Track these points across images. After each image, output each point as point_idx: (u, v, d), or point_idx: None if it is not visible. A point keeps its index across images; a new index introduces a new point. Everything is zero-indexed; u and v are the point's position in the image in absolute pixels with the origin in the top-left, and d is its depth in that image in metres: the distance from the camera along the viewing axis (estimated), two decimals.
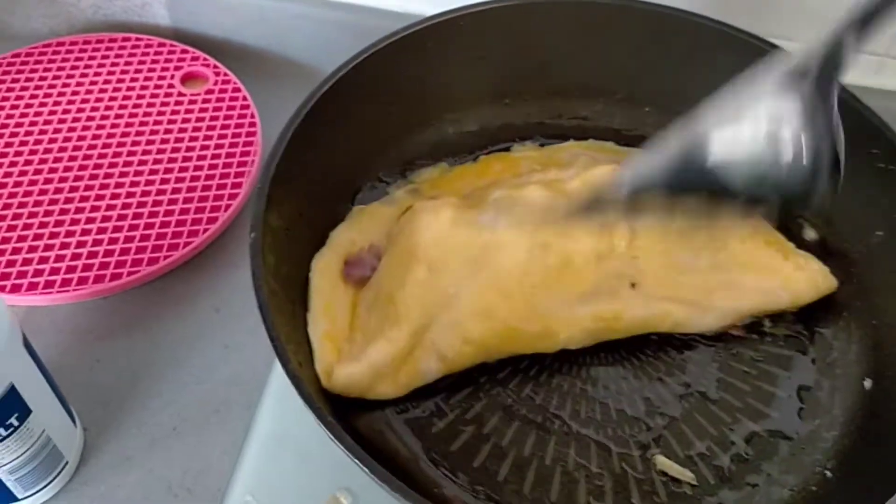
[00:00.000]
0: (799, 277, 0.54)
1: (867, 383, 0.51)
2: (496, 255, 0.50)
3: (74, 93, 0.70)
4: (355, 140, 0.57)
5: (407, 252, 0.51)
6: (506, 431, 0.50)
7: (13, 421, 0.44)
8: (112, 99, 0.70)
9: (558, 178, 0.55)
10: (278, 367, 0.55)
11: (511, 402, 0.51)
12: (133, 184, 0.64)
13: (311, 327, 0.51)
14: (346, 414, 0.49)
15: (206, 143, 0.67)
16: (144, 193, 0.63)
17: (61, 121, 0.68)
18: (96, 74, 0.72)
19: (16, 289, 0.57)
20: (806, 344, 0.54)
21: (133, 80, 0.71)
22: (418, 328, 0.49)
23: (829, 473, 0.48)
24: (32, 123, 0.68)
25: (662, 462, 0.49)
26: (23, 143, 0.67)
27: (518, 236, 0.51)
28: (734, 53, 0.57)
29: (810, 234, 0.58)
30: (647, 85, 0.62)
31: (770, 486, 0.48)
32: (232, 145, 0.67)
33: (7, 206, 0.62)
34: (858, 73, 0.67)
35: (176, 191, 0.64)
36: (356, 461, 0.39)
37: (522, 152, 0.62)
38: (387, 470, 0.39)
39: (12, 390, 0.43)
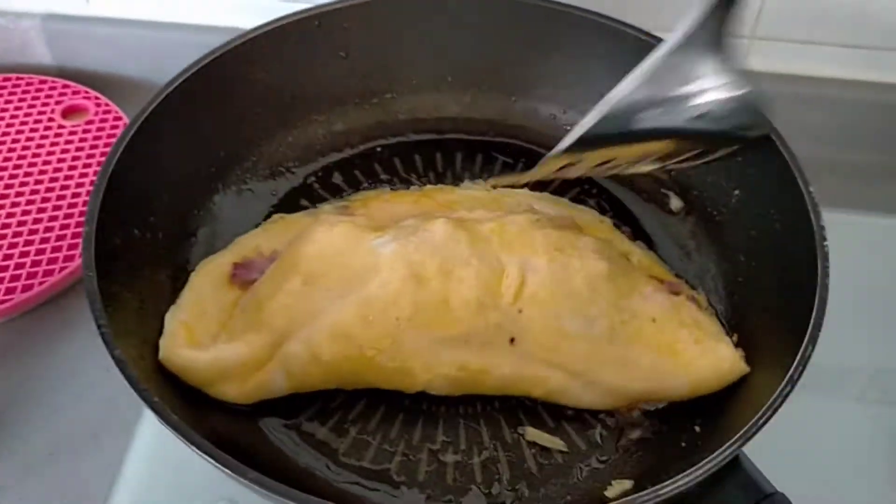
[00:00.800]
0: (701, 364, 0.48)
1: (734, 338, 0.51)
2: (370, 280, 0.47)
3: None
4: (212, 142, 0.57)
5: (290, 261, 0.50)
6: (371, 417, 0.49)
7: None
8: None
9: (476, 219, 0.52)
10: None
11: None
12: (9, 214, 0.63)
13: (169, 315, 0.49)
14: (213, 423, 0.48)
15: (86, 170, 0.67)
16: (20, 223, 0.63)
17: None
18: None
19: None
20: None
21: (13, 116, 0.71)
22: (278, 339, 0.48)
23: (697, 429, 0.48)
24: None
25: (532, 433, 0.48)
26: None
27: (397, 264, 0.47)
28: (583, 34, 0.59)
29: (676, 202, 0.58)
30: (509, 74, 0.63)
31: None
32: None
33: None
34: None
35: (53, 219, 0.63)
36: (209, 457, 0.38)
37: (470, 190, 0.59)
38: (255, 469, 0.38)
39: None
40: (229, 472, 0.38)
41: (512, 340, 0.48)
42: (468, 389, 0.49)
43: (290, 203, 0.59)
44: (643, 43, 0.57)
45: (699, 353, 0.48)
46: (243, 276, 0.52)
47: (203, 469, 0.50)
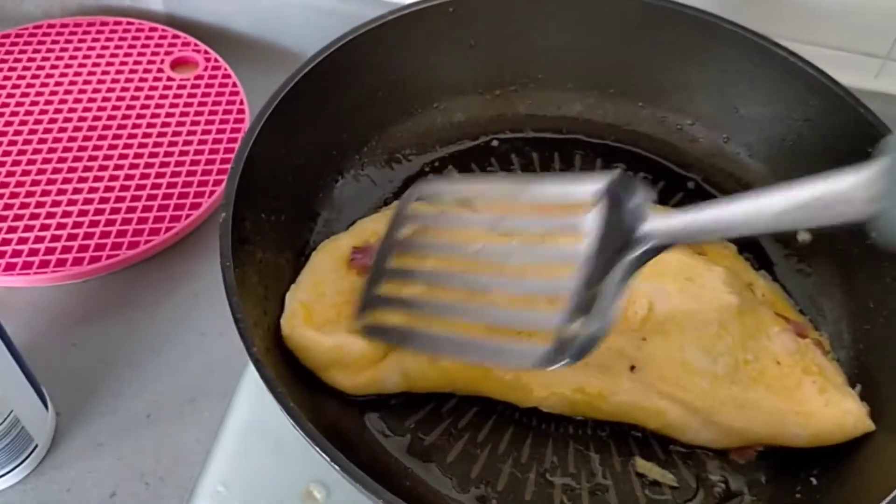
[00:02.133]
0: (825, 415, 0.46)
1: (857, 389, 0.50)
2: None
3: (63, 75, 0.70)
4: (336, 127, 0.56)
5: None
6: (482, 427, 0.49)
7: None
8: (100, 82, 0.69)
9: None
10: None
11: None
12: (117, 167, 0.63)
13: (289, 294, 0.50)
14: (320, 407, 0.48)
15: (194, 128, 0.66)
16: (128, 177, 0.62)
17: (48, 102, 0.67)
18: (86, 57, 0.71)
19: None
20: None
21: (123, 63, 0.70)
22: None
23: (814, 481, 0.47)
24: (19, 104, 0.67)
25: (642, 464, 0.48)
26: (8, 124, 0.66)
27: None
28: (727, 48, 0.57)
29: (804, 234, 0.56)
30: (639, 79, 0.61)
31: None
32: (220, 131, 0.66)
33: None
34: (857, 75, 0.66)
35: (160, 175, 0.63)
36: (318, 450, 0.37)
37: None
38: (354, 462, 0.38)
39: None
40: (336, 467, 0.38)
41: (632, 368, 0.47)
42: (582, 412, 0.49)
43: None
44: (790, 64, 0.55)
45: (823, 404, 0.46)
46: (361, 260, 0.52)
47: (300, 446, 0.51)
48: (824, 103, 0.54)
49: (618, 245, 0.41)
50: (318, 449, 0.37)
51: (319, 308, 0.50)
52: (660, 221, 0.41)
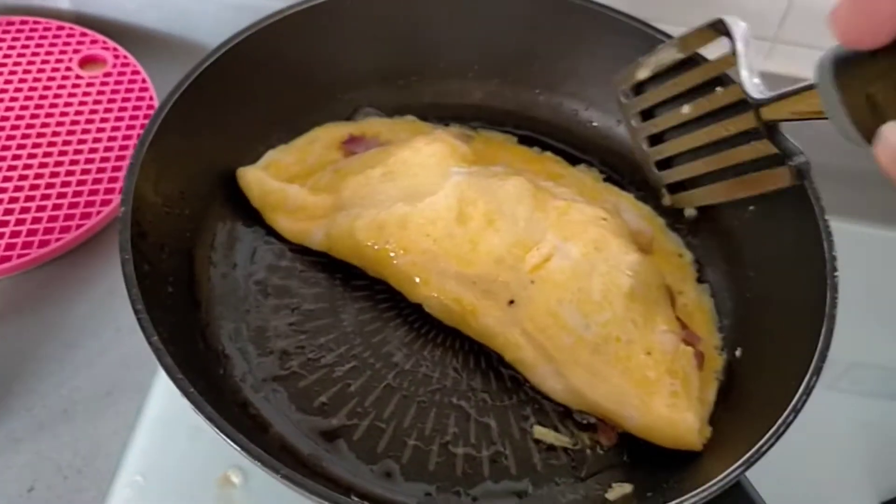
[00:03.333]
0: (662, 414, 0.48)
1: (738, 352, 0.53)
2: (426, 195, 0.52)
3: None
4: (240, 119, 0.57)
5: (386, 154, 0.56)
6: (387, 404, 0.51)
7: None
8: (7, 82, 0.69)
9: (554, 194, 0.55)
10: None
11: (393, 377, 0.52)
12: (26, 167, 0.63)
13: (273, 150, 0.59)
14: (227, 393, 0.50)
15: (103, 125, 0.67)
16: (38, 176, 0.63)
17: None
18: None
19: None
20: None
21: (30, 63, 0.70)
22: (338, 205, 0.55)
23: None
24: None
25: (540, 431, 0.50)
26: None
27: (452, 193, 0.52)
28: (615, 35, 0.59)
29: (690, 210, 0.59)
30: (536, 67, 0.63)
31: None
32: (129, 128, 0.66)
33: None
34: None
35: (70, 173, 0.63)
36: (218, 431, 0.39)
37: (584, 174, 0.63)
38: (260, 444, 0.39)
39: None
40: (237, 448, 0.39)
41: (511, 302, 0.51)
42: (455, 323, 0.53)
43: None
44: None
45: (667, 405, 0.48)
46: (352, 147, 0.60)
47: (214, 435, 0.53)
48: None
49: None
50: (217, 430, 0.39)
51: (293, 168, 0.59)
52: None
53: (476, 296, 0.51)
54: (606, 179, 0.62)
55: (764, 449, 0.41)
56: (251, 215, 0.57)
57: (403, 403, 0.50)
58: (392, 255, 0.52)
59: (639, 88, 0.57)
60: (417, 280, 0.52)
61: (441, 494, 0.47)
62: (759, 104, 0.49)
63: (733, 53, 0.50)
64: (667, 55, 0.54)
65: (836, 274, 0.47)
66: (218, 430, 0.39)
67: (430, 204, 0.52)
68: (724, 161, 0.53)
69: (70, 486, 0.52)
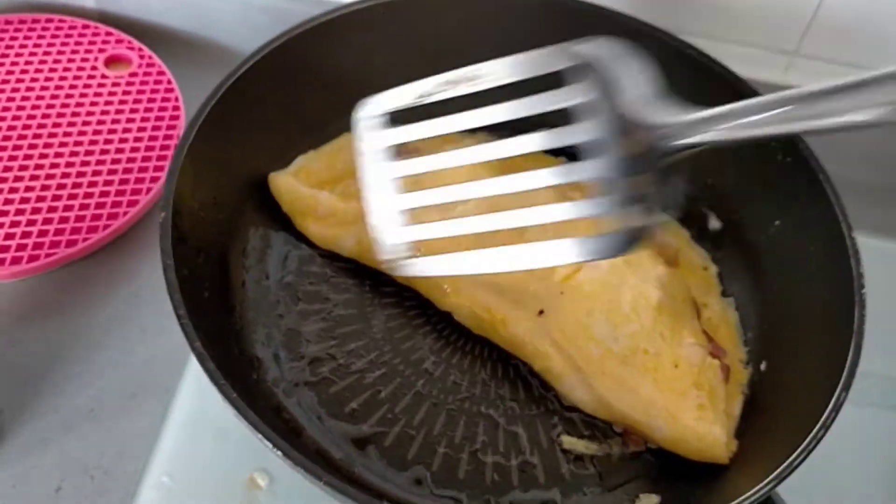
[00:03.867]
0: (690, 426, 0.49)
1: (763, 365, 0.54)
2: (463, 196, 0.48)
3: None
4: (273, 125, 0.57)
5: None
6: (417, 411, 0.51)
7: None
8: (34, 80, 0.69)
9: None
10: None
11: (423, 385, 0.52)
12: (53, 165, 0.63)
13: (302, 156, 0.59)
14: (261, 399, 0.50)
15: (129, 125, 0.67)
16: (64, 175, 0.63)
17: None
18: (17, 55, 0.70)
19: None
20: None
21: (56, 61, 0.70)
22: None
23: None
24: None
25: (568, 441, 0.51)
26: None
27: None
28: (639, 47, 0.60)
29: (714, 223, 0.60)
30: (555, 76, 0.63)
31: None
32: (155, 129, 0.67)
33: None
34: (767, 71, 0.69)
35: (96, 173, 0.63)
36: (261, 436, 0.39)
37: None
38: (296, 448, 0.40)
39: None
40: (278, 453, 0.40)
41: (541, 312, 0.52)
42: (484, 331, 0.53)
43: None
44: (699, 63, 0.59)
45: (694, 417, 0.49)
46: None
47: (243, 436, 0.53)
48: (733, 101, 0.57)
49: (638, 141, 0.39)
50: (260, 436, 0.39)
51: (322, 174, 0.59)
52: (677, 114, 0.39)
53: (506, 305, 0.52)
54: None
55: (795, 464, 0.42)
56: (282, 221, 0.58)
57: (433, 411, 0.51)
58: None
59: None
60: (447, 288, 0.53)
61: (471, 502, 0.48)
62: None
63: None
64: None
65: (863, 291, 0.48)
66: (261, 436, 0.39)
67: (465, 210, 0.51)
68: None
69: (97, 486, 0.52)
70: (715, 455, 0.49)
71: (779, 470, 0.42)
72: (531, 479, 0.49)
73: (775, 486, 0.41)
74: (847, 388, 0.44)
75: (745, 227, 0.58)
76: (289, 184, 0.57)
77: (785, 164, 0.54)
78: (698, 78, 0.56)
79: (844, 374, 0.45)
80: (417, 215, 0.47)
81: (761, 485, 0.41)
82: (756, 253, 0.57)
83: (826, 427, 0.43)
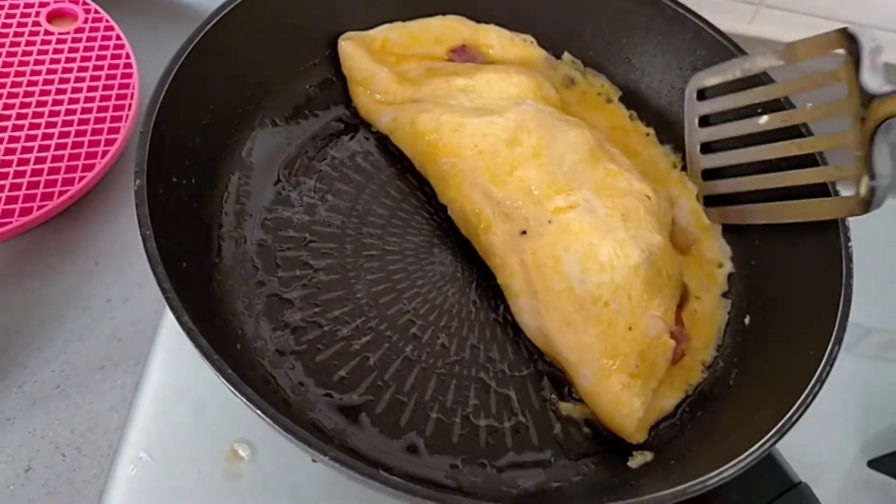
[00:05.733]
0: (610, 391, 0.48)
1: (747, 320, 0.54)
2: (491, 113, 0.55)
3: None
4: (239, 83, 0.55)
5: (475, 70, 0.59)
6: (407, 377, 0.50)
7: None
8: None
9: (614, 156, 0.56)
10: (167, 321, 0.54)
11: (411, 350, 0.51)
12: (0, 129, 0.60)
13: (387, 25, 0.61)
14: (249, 370, 0.48)
15: (79, 85, 0.63)
16: (12, 139, 0.59)
17: None
18: None
19: None
20: None
21: None
22: (415, 99, 0.58)
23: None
24: None
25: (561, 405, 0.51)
26: None
27: (512, 118, 0.54)
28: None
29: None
30: (541, 30, 0.63)
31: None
32: (106, 87, 0.63)
33: None
34: (735, 22, 0.70)
35: (47, 136, 0.60)
36: (261, 414, 0.38)
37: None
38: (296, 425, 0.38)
39: None
40: (280, 430, 0.39)
41: (523, 233, 0.52)
42: (468, 232, 0.55)
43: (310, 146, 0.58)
44: (679, 16, 0.58)
45: (622, 382, 0.48)
46: (457, 56, 0.62)
47: (222, 407, 0.52)
48: (710, 52, 0.57)
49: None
50: (260, 413, 0.38)
51: (397, 49, 0.61)
52: None
53: (495, 215, 0.52)
54: (685, 169, 0.61)
55: (793, 420, 0.42)
56: (259, 183, 0.55)
57: (423, 376, 0.50)
58: (440, 152, 0.55)
59: (706, 93, 0.58)
60: (451, 182, 0.54)
61: (466, 466, 0.47)
62: (876, 97, 0.47)
63: (856, 62, 0.48)
64: (764, 62, 0.54)
65: (850, 244, 0.49)
66: (261, 414, 0.38)
67: (489, 121, 0.54)
68: (778, 181, 0.53)
69: (69, 464, 0.50)
70: (623, 426, 0.48)
71: (778, 426, 0.42)
72: (525, 441, 0.49)
73: (775, 442, 0.42)
74: (839, 341, 0.45)
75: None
76: (357, 52, 0.59)
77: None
78: (678, 31, 0.56)
79: (835, 327, 0.45)
80: None
81: (761, 442, 0.41)
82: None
83: (821, 381, 0.44)
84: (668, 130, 0.62)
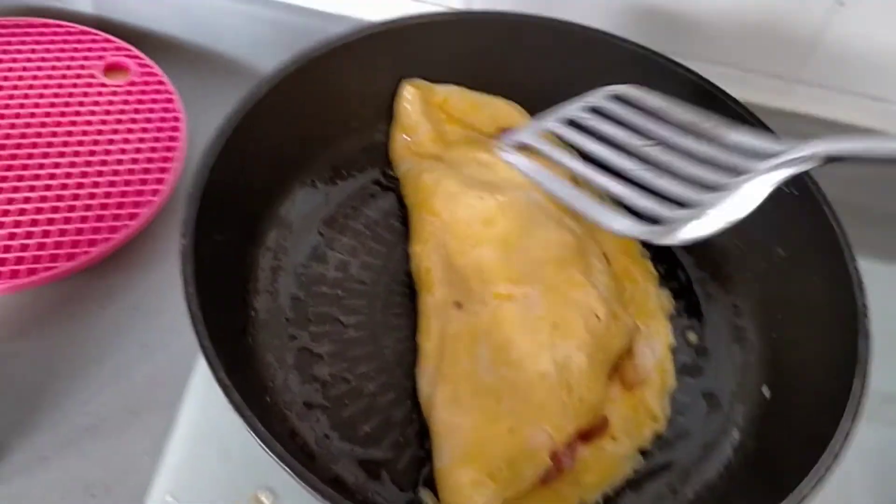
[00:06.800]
0: (457, 479, 0.47)
1: (765, 391, 0.55)
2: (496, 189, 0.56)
3: None
4: (284, 145, 0.57)
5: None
6: (428, 435, 0.51)
7: None
8: (30, 87, 0.68)
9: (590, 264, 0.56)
10: (200, 368, 0.56)
11: None
12: (51, 176, 0.62)
13: (458, 87, 0.64)
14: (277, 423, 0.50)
15: (128, 136, 0.66)
16: (63, 186, 0.62)
17: None
18: (13, 61, 0.69)
19: None
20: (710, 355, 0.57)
21: (53, 67, 0.69)
22: (439, 160, 0.60)
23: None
24: None
25: None
26: None
27: (507, 204, 0.55)
28: (631, 67, 0.61)
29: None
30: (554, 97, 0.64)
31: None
32: (155, 140, 0.66)
33: None
34: (766, 95, 0.71)
35: (96, 185, 0.62)
36: (289, 471, 0.39)
37: None
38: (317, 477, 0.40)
39: None
40: (308, 489, 0.40)
41: (458, 305, 0.52)
42: (417, 287, 0.56)
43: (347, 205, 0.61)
44: (691, 83, 0.59)
45: (471, 477, 0.46)
46: (501, 136, 0.59)
47: (247, 454, 0.53)
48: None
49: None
50: (289, 470, 0.39)
51: (455, 112, 0.64)
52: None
53: (442, 281, 0.54)
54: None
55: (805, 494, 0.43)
56: (296, 240, 0.57)
57: None
58: (426, 209, 0.57)
59: None
60: (422, 237, 0.56)
61: None
62: None
63: None
64: None
65: (867, 320, 0.49)
66: (290, 472, 0.39)
67: (479, 195, 0.56)
68: None
69: None
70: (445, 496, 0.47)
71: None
72: None
73: None
74: (854, 415, 0.45)
75: (746, 256, 0.59)
76: (414, 100, 0.62)
77: (789, 193, 0.55)
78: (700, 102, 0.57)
79: (852, 407, 0.46)
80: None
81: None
82: (758, 279, 0.58)
83: (837, 455, 0.44)
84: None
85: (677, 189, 0.48)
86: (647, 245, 0.61)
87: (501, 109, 0.64)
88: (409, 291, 0.57)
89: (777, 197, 0.54)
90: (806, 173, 0.53)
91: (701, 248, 0.61)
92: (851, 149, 0.44)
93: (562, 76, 0.62)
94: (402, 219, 0.60)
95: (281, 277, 0.55)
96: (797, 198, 0.55)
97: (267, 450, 0.39)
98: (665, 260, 0.61)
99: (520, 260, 0.53)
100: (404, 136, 0.62)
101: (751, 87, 0.61)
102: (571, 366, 0.50)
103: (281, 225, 0.57)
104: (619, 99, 0.54)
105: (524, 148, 0.55)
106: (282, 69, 0.55)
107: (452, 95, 0.64)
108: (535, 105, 0.62)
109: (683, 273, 0.61)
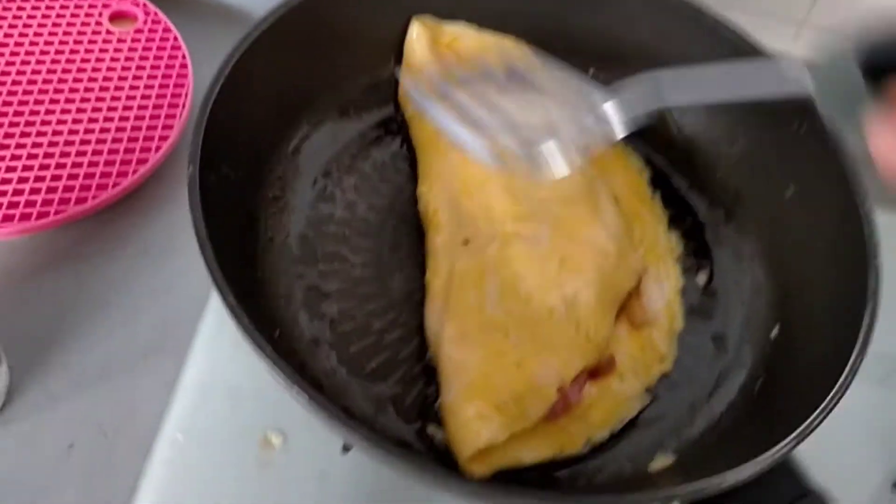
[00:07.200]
0: (462, 414, 0.46)
1: (775, 330, 0.54)
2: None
3: None
4: (289, 82, 0.57)
5: None
6: (434, 372, 0.51)
7: None
8: (37, 35, 0.68)
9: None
10: (210, 310, 0.56)
11: None
12: (60, 122, 0.62)
13: (466, 25, 0.63)
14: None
15: (136, 83, 0.66)
16: (72, 132, 0.62)
17: None
18: (20, 9, 0.69)
19: None
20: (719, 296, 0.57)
21: (59, 16, 0.69)
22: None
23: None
24: None
25: None
26: None
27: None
28: (658, 12, 0.60)
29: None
30: (581, 41, 0.64)
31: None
32: (162, 86, 0.66)
33: None
34: (777, 39, 0.70)
35: (104, 130, 0.62)
36: (297, 391, 0.39)
37: None
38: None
39: None
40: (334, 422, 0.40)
41: (466, 242, 0.52)
42: (424, 227, 0.56)
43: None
44: (719, 29, 0.59)
45: (478, 410, 0.46)
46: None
47: (257, 395, 0.53)
48: None
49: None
50: (297, 390, 0.40)
51: (463, 50, 0.62)
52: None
53: (450, 221, 0.54)
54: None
55: (812, 426, 0.42)
56: (303, 179, 0.58)
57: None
58: (432, 150, 0.57)
59: None
60: (429, 179, 0.57)
61: None
62: None
63: None
64: None
65: (878, 260, 0.49)
66: (298, 392, 0.39)
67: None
68: None
69: (111, 443, 0.52)
70: (459, 450, 0.46)
71: (796, 432, 0.42)
72: None
73: (792, 448, 0.42)
74: (863, 352, 0.45)
75: (758, 196, 0.59)
76: (421, 39, 0.62)
77: (800, 133, 0.54)
78: (716, 44, 0.57)
79: (860, 339, 0.46)
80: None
81: (778, 447, 0.42)
82: (769, 222, 0.58)
83: (843, 389, 0.44)
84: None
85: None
86: (657, 187, 0.61)
87: (513, 49, 0.63)
88: (416, 232, 0.57)
89: (788, 134, 0.55)
90: (817, 112, 0.52)
91: (712, 190, 0.61)
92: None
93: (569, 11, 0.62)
94: (410, 161, 0.60)
95: (289, 215, 0.55)
96: (808, 135, 0.54)
97: (275, 371, 0.39)
98: (675, 203, 0.61)
99: (528, 199, 0.53)
100: (409, 77, 0.62)
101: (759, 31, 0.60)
102: (579, 302, 0.50)
103: (289, 163, 0.57)
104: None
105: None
106: (287, 1, 0.54)
107: (462, 33, 0.63)
108: (545, 43, 0.61)
109: (693, 216, 0.61)
